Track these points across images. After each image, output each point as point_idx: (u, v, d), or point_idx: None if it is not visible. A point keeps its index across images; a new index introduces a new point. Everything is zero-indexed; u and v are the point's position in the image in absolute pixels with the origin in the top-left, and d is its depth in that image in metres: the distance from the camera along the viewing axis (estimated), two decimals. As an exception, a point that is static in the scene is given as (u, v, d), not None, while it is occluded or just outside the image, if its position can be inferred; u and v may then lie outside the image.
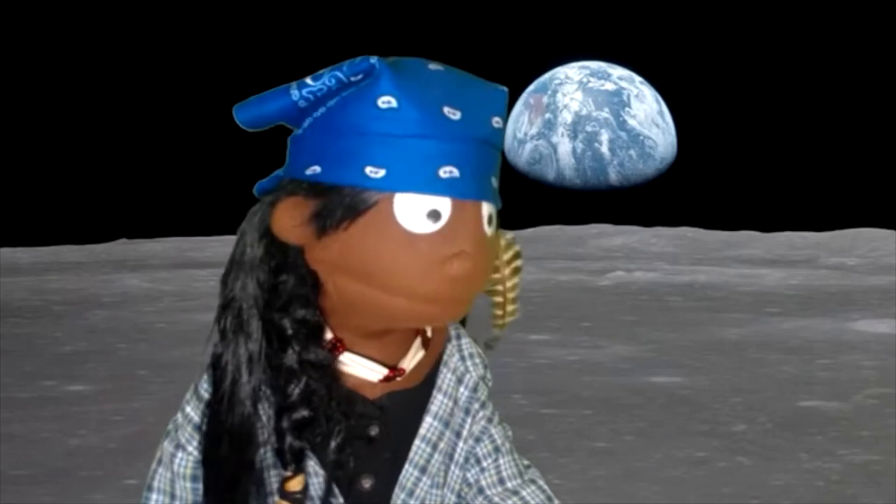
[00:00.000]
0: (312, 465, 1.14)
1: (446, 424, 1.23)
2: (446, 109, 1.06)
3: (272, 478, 1.15)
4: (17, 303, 11.98)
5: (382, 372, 1.17)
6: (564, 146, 23.67)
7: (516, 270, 1.28)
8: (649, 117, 23.75)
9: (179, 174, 23.52)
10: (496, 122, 1.11)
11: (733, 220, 22.22)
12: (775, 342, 9.14)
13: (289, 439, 1.11)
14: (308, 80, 1.10)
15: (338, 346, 1.15)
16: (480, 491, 1.25)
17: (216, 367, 1.14)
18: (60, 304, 11.95)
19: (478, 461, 1.25)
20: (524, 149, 24.04)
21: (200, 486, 1.16)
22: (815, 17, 24.92)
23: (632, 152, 23.54)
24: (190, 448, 1.17)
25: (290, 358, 1.12)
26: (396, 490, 1.20)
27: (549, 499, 1.27)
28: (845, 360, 8.23)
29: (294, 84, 1.11)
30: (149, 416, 6.09)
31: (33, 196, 23.42)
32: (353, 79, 1.08)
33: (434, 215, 1.06)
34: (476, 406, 1.26)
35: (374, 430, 1.17)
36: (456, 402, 1.24)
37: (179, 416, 1.19)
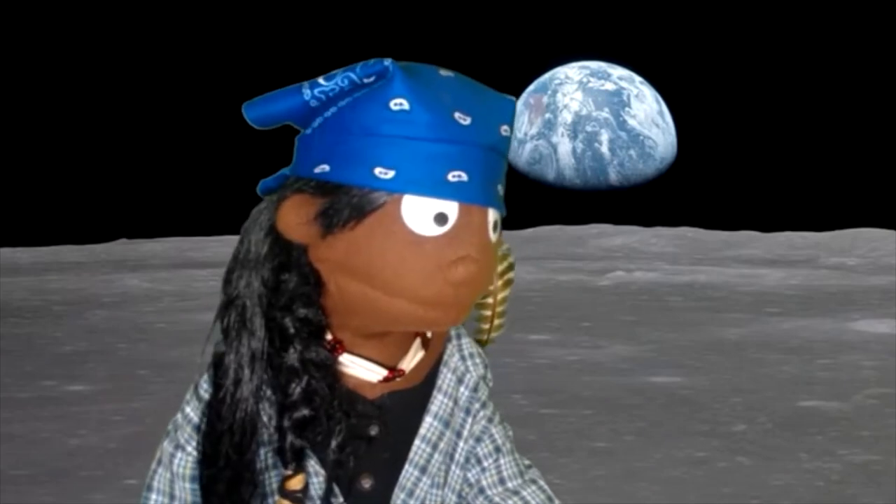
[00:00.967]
0: (312, 464, 1.14)
1: (446, 424, 1.23)
2: (457, 115, 1.07)
3: (272, 478, 1.15)
4: (17, 303, 11.98)
5: (382, 373, 1.17)
6: (564, 146, 23.69)
7: (508, 283, 1.28)
8: (649, 117, 23.76)
9: (179, 174, 23.53)
10: (504, 130, 1.11)
11: (733, 220, 22.23)
12: (775, 342, 9.15)
13: (290, 438, 1.11)
14: (321, 80, 1.10)
15: (337, 348, 1.15)
16: (481, 491, 1.25)
17: (218, 366, 1.14)
18: (60, 304, 11.95)
19: (478, 461, 1.25)
20: (524, 149, 24.06)
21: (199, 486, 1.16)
22: (815, 17, 24.92)
23: (632, 152, 23.56)
24: (189, 448, 1.17)
25: (292, 357, 1.12)
26: (396, 490, 1.20)
27: (550, 499, 1.27)
28: (845, 360, 8.23)
29: (306, 83, 1.11)
30: (149, 416, 6.09)
31: (33, 196, 23.43)
32: (365, 80, 1.08)
33: (441, 218, 1.06)
34: (477, 406, 1.26)
35: (374, 430, 1.17)
36: (456, 402, 1.24)
37: (179, 416, 1.19)
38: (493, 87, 1.16)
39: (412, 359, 1.19)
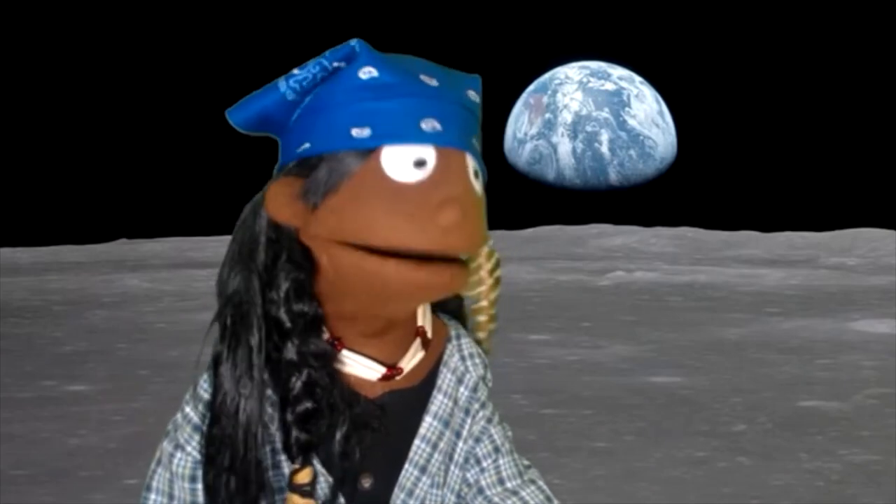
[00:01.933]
0: (315, 463, 1.14)
1: (446, 424, 1.23)
2: (423, 76, 1.11)
3: (276, 478, 1.15)
4: (17, 303, 11.98)
5: (381, 371, 1.17)
6: (564, 146, 23.68)
7: (498, 281, 1.29)
8: (649, 117, 23.75)
9: (179, 174, 23.53)
10: (471, 94, 1.15)
11: (733, 220, 22.24)
12: (775, 342, 9.15)
13: (294, 432, 1.11)
14: (294, 71, 1.14)
15: (336, 345, 1.15)
16: (480, 491, 1.25)
17: (217, 366, 1.14)
18: (60, 304, 11.95)
19: (477, 461, 1.25)
20: (524, 149, 24.06)
21: (199, 486, 1.16)
22: (815, 17, 24.92)
23: (632, 152, 23.55)
24: (189, 448, 1.17)
25: (290, 351, 1.13)
26: (396, 490, 1.20)
27: (549, 499, 1.27)
28: (845, 360, 8.23)
29: (282, 77, 1.14)
30: (149, 416, 6.09)
31: (33, 196, 23.43)
32: (335, 64, 1.12)
33: (420, 163, 1.08)
34: (476, 406, 1.26)
35: (368, 437, 1.17)
36: (456, 402, 1.24)
37: (179, 416, 1.19)
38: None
39: (412, 358, 1.19)
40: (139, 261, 18.35)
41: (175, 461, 1.18)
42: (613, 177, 23.65)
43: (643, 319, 10.68)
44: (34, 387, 7.16)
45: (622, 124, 23.54)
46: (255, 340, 1.13)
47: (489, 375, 1.29)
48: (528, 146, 24.04)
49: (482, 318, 1.29)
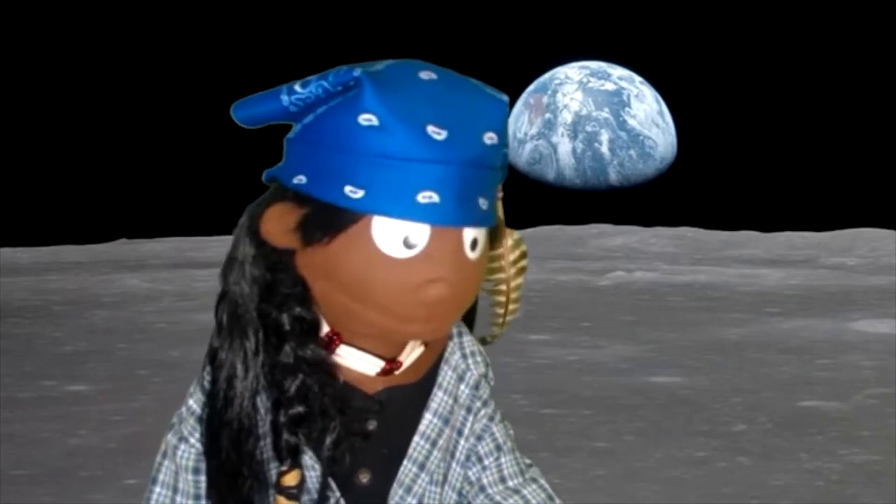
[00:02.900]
0: (309, 458, 1.15)
1: (446, 422, 1.23)
2: (430, 129, 1.03)
3: (272, 470, 1.15)
4: (17, 303, 11.97)
5: (379, 364, 1.17)
6: (564, 146, 23.68)
7: (521, 270, 1.28)
8: (649, 117, 23.75)
9: (179, 174, 23.52)
10: (489, 138, 1.07)
11: (733, 220, 22.21)
12: (775, 342, 9.14)
13: (285, 435, 1.12)
14: (297, 87, 1.10)
15: (335, 339, 1.16)
16: (482, 489, 1.25)
17: (213, 362, 1.15)
18: (60, 304, 11.94)
19: (479, 459, 1.26)
20: (524, 149, 24.05)
21: (203, 478, 1.17)
22: (815, 17, 24.92)
23: (632, 152, 23.55)
24: (192, 440, 1.18)
25: (287, 354, 1.13)
26: (394, 486, 1.20)
27: (551, 498, 1.28)
28: (845, 360, 8.23)
29: (284, 89, 1.11)
30: (149, 416, 6.09)
31: (33, 196, 23.42)
32: (338, 89, 1.07)
33: (410, 245, 1.05)
34: (478, 404, 1.26)
35: (372, 425, 1.18)
36: (456, 399, 1.24)
37: (183, 408, 1.20)
38: (492, 87, 1.12)
39: (410, 353, 1.19)
40: (139, 261, 18.33)
41: (179, 453, 1.18)
42: (613, 177, 23.66)
43: (643, 319, 10.68)
44: (34, 387, 7.16)
45: (622, 124, 23.54)
46: (249, 340, 1.13)
47: (490, 374, 1.29)
48: (528, 146, 24.04)
49: (501, 298, 1.28)
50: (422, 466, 1.21)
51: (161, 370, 7.57)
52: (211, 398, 1.14)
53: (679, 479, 5.03)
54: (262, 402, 1.14)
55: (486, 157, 1.07)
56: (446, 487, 1.24)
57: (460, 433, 1.24)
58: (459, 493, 1.25)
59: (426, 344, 1.21)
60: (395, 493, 1.20)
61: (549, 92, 24.02)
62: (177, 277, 14.74)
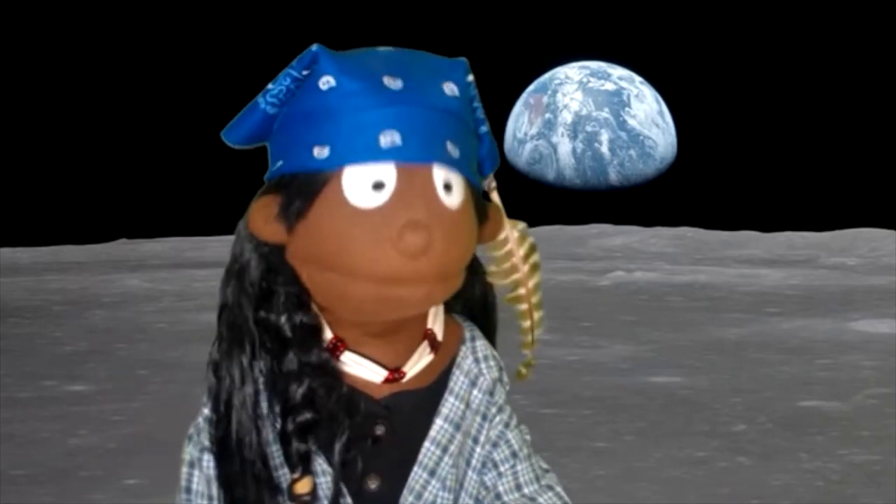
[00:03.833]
0: (320, 463, 1.14)
1: (457, 427, 1.22)
2: (386, 79, 1.05)
3: (282, 477, 1.15)
4: (17, 303, 11.97)
5: (382, 374, 1.16)
6: (564, 146, 23.66)
7: (535, 267, 1.26)
8: (649, 117, 23.74)
9: (179, 174, 23.51)
10: (448, 88, 1.08)
11: (733, 220, 22.19)
12: (775, 342, 9.14)
13: (294, 443, 1.11)
14: (269, 86, 1.11)
15: (339, 346, 1.15)
16: (498, 496, 1.24)
17: (215, 373, 1.14)
18: (60, 304, 11.94)
19: (495, 466, 1.25)
20: (524, 149, 24.04)
21: None
22: (815, 17, 24.92)
23: (632, 152, 23.54)
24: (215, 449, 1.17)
25: (290, 361, 1.12)
26: (405, 492, 1.19)
27: None
28: (845, 360, 8.22)
29: (259, 94, 1.12)
30: (149, 416, 6.09)
31: (33, 196, 23.41)
32: (304, 73, 1.09)
33: (378, 186, 1.04)
34: (493, 410, 1.25)
35: (380, 430, 1.17)
36: (468, 405, 1.23)
37: (199, 418, 1.19)
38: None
39: (417, 361, 1.18)
40: (139, 261, 18.33)
41: (204, 463, 1.18)
42: (613, 177, 23.64)
43: (643, 319, 10.67)
44: (34, 387, 7.15)
45: (622, 124, 23.53)
46: (246, 354, 1.13)
47: (505, 378, 1.28)
48: (528, 146, 24.03)
49: (523, 306, 1.26)
50: (432, 473, 1.20)
51: (161, 370, 7.56)
52: (213, 409, 1.14)
53: (679, 479, 5.03)
54: (268, 411, 1.14)
55: (448, 104, 1.08)
56: (463, 494, 1.23)
57: (476, 440, 1.23)
58: (476, 500, 1.24)
59: (435, 350, 1.20)
60: (406, 499, 1.19)
61: (549, 92, 24.02)
62: (176, 277, 14.73)
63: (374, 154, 1.03)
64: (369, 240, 1.04)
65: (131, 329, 10.00)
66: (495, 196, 1.19)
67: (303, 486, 1.12)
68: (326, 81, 1.06)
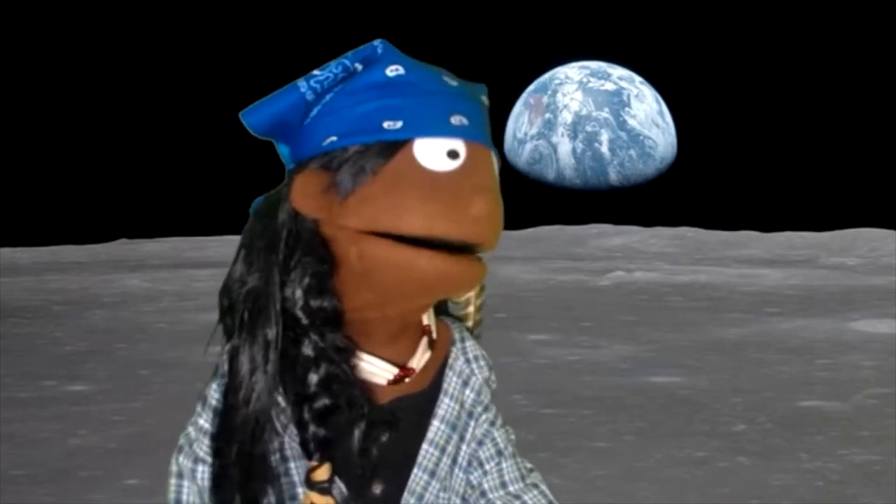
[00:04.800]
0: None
1: (453, 428, 1.23)
2: (445, 78, 1.16)
3: (298, 469, 1.14)
4: (17, 303, 11.98)
5: (393, 371, 1.16)
6: (564, 146, 23.67)
7: (482, 288, 1.32)
8: (649, 117, 23.75)
9: (179, 174, 23.52)
10: (484, 98, 1.20)
11: (733, 220, 22.23)
12: (775, 342, 9.14)
13: (312, 429, 1.11)
14: (315, 72, 1.16)
15: (351, 348, 1.15)
16: (483, 494, 1.25)
17: (234, 358, 1.13)
18: (60, 304, 11.94)
19: (480, 464, 1.25)
20: (524, 149, 24.05)
21: None
22: (815, 17, 24.92)
23: (632, 152, 23.55)
24: (210, 460, 1.16)
25: (308, 347, 1.13)
26: (406, 494, 1.19)
27: (551, 503, 1.27)
28: (845, 360, 8.23)
29: (301, 78, 1.16)
30: (149, 416, 6.09)
31: (33, 196, 23.42)
32: (357, 65, 1.15)
33: (453, 154, 1.11)
34: (479, 409, 1.26)
35: (385, 436, 1.17)
36: (462, 404, 1.24)
37: (192, 430, 1.19)
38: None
39: (420, 358, 1.20)
40: (139, 261, 18.34)
41: (198, 475, 1.18)
42: (613, 177, 23.65)
43: (643, 319, 10.68)
44: (34, 387, 7.16)
45: (622, 124, 23.54)
46: (272, 334, 1.12)
47: (493, 377, 1.29)
48: (528, 146, 24.04)
49: (468, 323, 1.32)
50: (432, 474, 1.21)
51: (161, 370, 7.57)
52: (227, 394, 1.13)
53: (679, 479, 5.03)
54: (282, 403, 1.13)
55: (484, 110, 1.19)
56: (450, 492, 1.24)
57: (462, 438, 1.24)
58: (462, 498, 1.25)
59: (432, 348, 1.21)
60: (407, 501, 1.19)
61: (549, 92, 24.03)
62: (177, 277, 14.74)
63: (448, 130, 1.12)
64: (443, 199, 1.09)
65: (131, 329, 10.00)
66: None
67: (322, 473, 1.11)
68: (395, 69, 1.14)
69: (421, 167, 1.10)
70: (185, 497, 1.19)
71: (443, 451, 1.21)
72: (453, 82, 1.16)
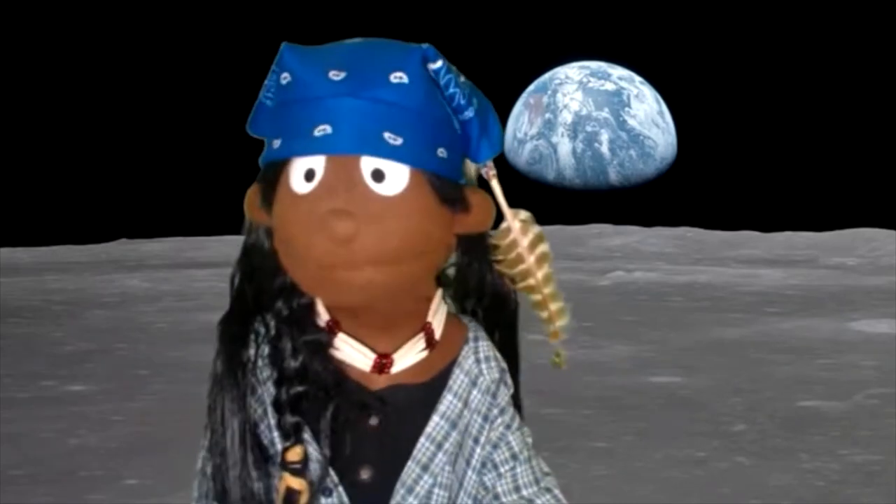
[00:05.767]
0: (313, 449, 1.16)
1: (454, 425, 1.23)
2: (332, 73, 1.08)
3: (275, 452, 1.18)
4: (17, 303, 11.97)
5: (371, 356, 1.18)
6: (564, 146, 23.66)
7: (543, 257, 1.25)
8: (649, 117, 23.74)
9: (179, 174, 23.51)
10: (396, 76, 1.09)
11: (733, 220, 22.21)
12: (775, 342, 9.14)
13: (286, 414, 1.15)
14: (266, 82, 1.17)
15: (334, 328, 1.18)
16: (496, 497, 1.25)
17: (230, 343, 1.19)
18: (60, 304, 11.94)
19: (495, 467, 1.26)
20: (524, 149, 24.04)
21: None
22: (815, 17, 24.92)
23: (632, 152, 23.54)
24: None
25: (287, 338, 1.17)
26: (397, 485, 1.20)
27: None
28: (845, 360, 8.22)
29: (262, 89, 1.18)
30: (149, 416, 6.09)
31: (33, 196, 23.41)
32: (275, 69, 1.14)
33: (309, 175, 1.08)
34: (495, 412, 1.26)
35: (374, 421, 1.19)
36: (467, 404, 1.24)
37: (200, 475, 1.22)
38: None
39: (408, 352, 1.20)
40: (139, 261, 18.34)
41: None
42: (613, 177, 23.64)
43: (643, 319, 10.67)
44: (34, 387, 7.15)
45: (622, 124, 23.53)
46: (249, 353, 1.18)
47: (508, 379, 1.29)
48: (528, 146, 24.03)
49: (537, 297, 1.28)
50: (425, 468, 1.21)
51: (161, 370, 7.57)
52: (209, 425, 1.18)
53: (679, 479, 5.03)
54: (268, 393, 1.18)
55: (392, 94, 1.08)
56: (462, 494, 1.24)
57: (476, 441, 1.24)
58: (475, 500, 1.25)
59: (431, 347, 1.21)
60: (398, 492, 1.20)
61: (549, 92, 24.02)
62: (177, 277, 14.74)
63: (309, 145, 1.08)
64: (303, 223, 1.08)
65: (131, 329, 10.00)
66: (495, 183, 1.19)
67: (294, 455, 1.14)
68: (285, 77, 1.11)
69: (289, 189, 1.10)
70: None
71: (440, 447, 1.21)
72: (338, 75, 1.08)
